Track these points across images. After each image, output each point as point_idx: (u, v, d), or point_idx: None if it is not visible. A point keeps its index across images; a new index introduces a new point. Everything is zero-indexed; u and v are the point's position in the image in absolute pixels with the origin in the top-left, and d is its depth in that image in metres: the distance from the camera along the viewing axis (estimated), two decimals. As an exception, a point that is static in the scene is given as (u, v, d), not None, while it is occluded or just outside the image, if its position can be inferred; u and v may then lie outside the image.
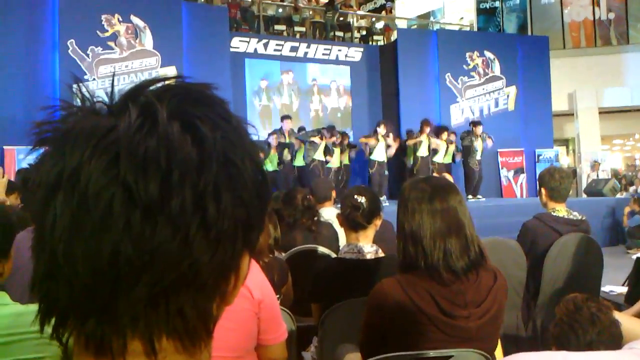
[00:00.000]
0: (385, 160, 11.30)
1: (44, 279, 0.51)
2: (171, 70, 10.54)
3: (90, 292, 0.49)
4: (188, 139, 0.50)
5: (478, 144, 11.94)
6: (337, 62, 13.81)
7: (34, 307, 1.70)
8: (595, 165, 15.95)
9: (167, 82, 0.55)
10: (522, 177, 14.32)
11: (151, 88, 0.54)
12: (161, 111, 0.50)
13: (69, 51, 9.90)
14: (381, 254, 2.66)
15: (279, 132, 11.00)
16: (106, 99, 0.54)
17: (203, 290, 0.52)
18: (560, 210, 3.74)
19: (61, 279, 0.49)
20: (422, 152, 11.49)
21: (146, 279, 0.48)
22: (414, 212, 1.87)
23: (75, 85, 0.55)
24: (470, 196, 11.71)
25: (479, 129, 11.98)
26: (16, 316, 1.62)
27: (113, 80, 0.59)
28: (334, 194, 4.63)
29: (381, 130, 11.15)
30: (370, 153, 11.16)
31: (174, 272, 0.49)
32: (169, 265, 0.49)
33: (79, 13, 9.97)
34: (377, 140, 11.10)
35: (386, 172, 11.27)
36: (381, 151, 11.18)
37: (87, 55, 10.08)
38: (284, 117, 11.26)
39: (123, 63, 10.41)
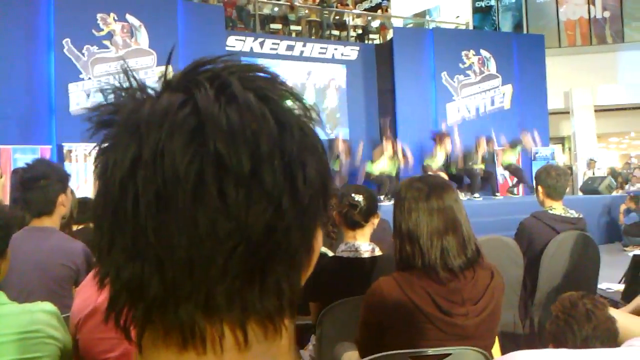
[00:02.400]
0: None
1: (125, 265, 0.49)
2: (167, 69, 10.46)
3: (185, 269, 0.47)
4: (266, 108, 0.50)
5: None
6: (333, 60, 13.80)
7: (30, 307, 1.70)
8: (591, 163, 15.98)
9: (222, 60, 0.54)
10: (519, 175, 14.34)
11: (207, 67, 0.53)
12: (235, 82, 0.50)
13: (65, 50, 9.86)
14: (378, 252, 2.66)
15: None
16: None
17: (294, 261, 0.52)
18: (557, 208, 3.75)
19: (151, 259, 0.48)
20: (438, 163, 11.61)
21: (242, 250, 0.48)
22: (411, 211, 1.87)
23: (122, 73, 0.54)
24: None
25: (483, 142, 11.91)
26: (14, 315, 1.62)
27: (168, 61, 0.56)
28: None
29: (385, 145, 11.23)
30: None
31: (269, 242, 0.49)
32: (264, 235, 0.48)
33: (75, 12, 9.93)
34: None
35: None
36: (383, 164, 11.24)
37: (83, 54, 10.05)
38: None
39: (119, 62, 10.34)
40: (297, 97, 0.54)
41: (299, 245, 0.52)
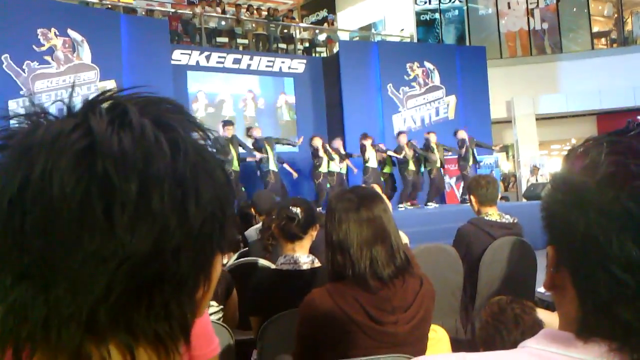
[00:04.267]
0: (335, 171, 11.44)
1: (11, 286, 0.49)
2: (110, 84, 10.34)
3: (69, 288, 0.47)
4: (161, 134, 0.51)
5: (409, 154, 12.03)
6: (280, 73, 13.85)
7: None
8: (535, 170, 16.42)
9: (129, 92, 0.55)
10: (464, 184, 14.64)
11: (109, 96, 0.54)
12: (132, 109, 0.51)
13: (4, 66, 9.59)
14: (317, 264, 2.67)
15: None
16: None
17: (185, 284, 0.52)
18: (493, 214, 3.85)
19: (36, 279, 0.48)
20: (372, 163, 11.68)
21: (125, 270, 0.48)
22: (341, 222, 1.90)
23: (27, 98, 0.55)
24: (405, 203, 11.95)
25: (403, 138, 12.05)
26: None
27: (72, 91, 0.57)
28: (275, 205, 4.63)
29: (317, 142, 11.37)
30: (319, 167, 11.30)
31: (156, 263, 0.49)
32: (149, 256, 0.48)
33: (14, 27, 9.67)
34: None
35: (328, 185, 11.33)
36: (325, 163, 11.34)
37: (23, 70, 9.80)
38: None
39: (60, 77, 10.15)
40: (201, 127, 0.56)
41: (190, 268, 0.52)
